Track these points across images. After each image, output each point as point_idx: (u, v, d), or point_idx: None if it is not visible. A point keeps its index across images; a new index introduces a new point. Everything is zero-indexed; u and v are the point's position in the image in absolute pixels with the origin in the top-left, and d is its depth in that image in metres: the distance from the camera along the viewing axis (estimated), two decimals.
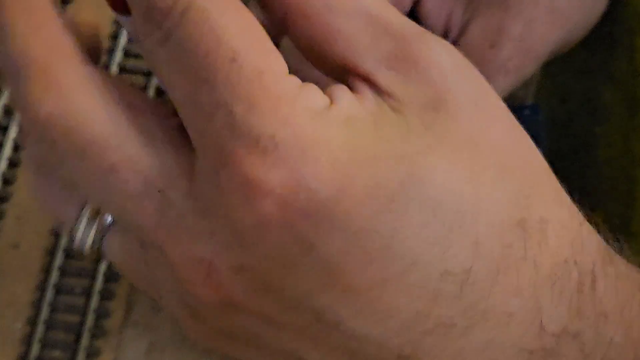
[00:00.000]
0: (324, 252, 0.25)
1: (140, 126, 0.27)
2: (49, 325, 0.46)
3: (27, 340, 0.46)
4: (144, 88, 0.51)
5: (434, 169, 0.25)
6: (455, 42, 0.41)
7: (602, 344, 0.28)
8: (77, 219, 0.29)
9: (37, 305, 0.47)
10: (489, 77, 0.40)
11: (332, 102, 0.26)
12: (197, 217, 0.26)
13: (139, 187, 0.26)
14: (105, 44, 0.54)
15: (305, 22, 0.26)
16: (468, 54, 0.40)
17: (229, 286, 0.26)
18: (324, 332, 0.26)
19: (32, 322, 0.47)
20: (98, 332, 0.46)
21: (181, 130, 0.27)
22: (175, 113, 0.27)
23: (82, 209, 0.29)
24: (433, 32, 0.42)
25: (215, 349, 0.29)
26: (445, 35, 0.42)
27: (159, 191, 0.26)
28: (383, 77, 0.26)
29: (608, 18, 0.45)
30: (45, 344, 0.46)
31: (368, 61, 0.26)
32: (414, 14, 0.42)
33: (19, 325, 0.47)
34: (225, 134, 0.25)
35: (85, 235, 0.29)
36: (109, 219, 0.29)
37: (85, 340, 0.46)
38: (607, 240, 0.29)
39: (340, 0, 0.27)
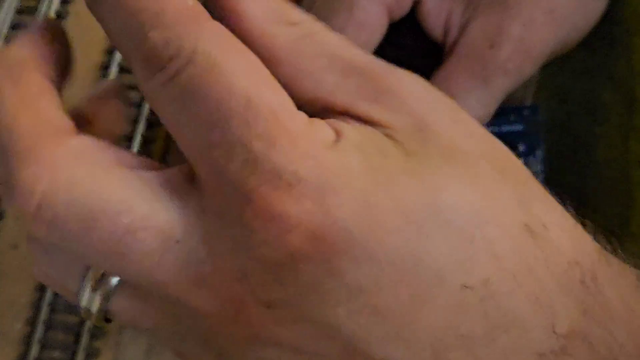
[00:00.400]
0: (356, 281, 0.25)
1: (143, 183, 0.27)
2: (49, 326, 0.46)
3: (27, 341, 0.46)
4: (138, 106, 0.51)
5: (447, 187, 0.26)
6: (454, 43, 0.41)
7: (608, 343, 0.28)
8: (80, 287, 0.29)
9: (36, 306, 0.47)
10: (488, 78, 0.40)
11: (337, 134, 0.26)
12: (220, 260, 0.26)
13: (157, 243, 0.26)
14: (101, 58, 0.54)
15: (276, 67, 0.27)
16: (467, 54, 0.40)
17: (260, 322, 0.26)
18: (352, 359, 0.26)
19: (32, 322, 0.47)
20: (97, 332, 0.46)
21: (174, 178, 0.27)
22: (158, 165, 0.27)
23: (84, 276, 0.29)
24: (433, 32, 0.42)
25: None
26: (444, 35, 0.42)
27: (176, 242, 0.26)
28: (363, 108, 0.27)
29: (607, 18, 0.45)
30: (44, 345, 0.46)
31: (343, 97, 0.27)
32: (413, 15, 0.42)
33: (19, 326, 0.47)
34: (246, 172, 0.25)
35: (90, 301, 0.29)
36: (115, 281, 0.29)
37: (84, 341, 0.46)
38: (598, 241, 0.29)
39: (304, 43, 0.28)
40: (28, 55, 0.30)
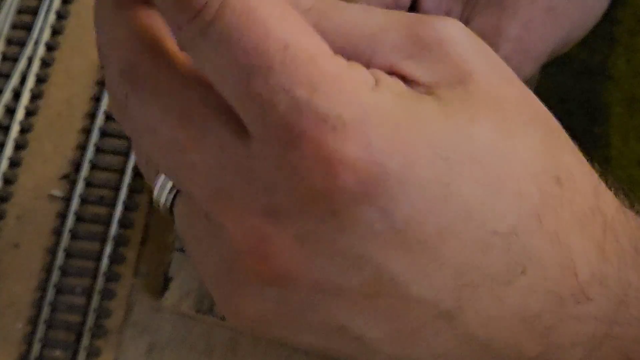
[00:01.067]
0: (390, 214, 0.26)
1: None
2: (50, 325, 0.47)
3: (28, 340, 0.46)
4: (125, 154, 0.51)
5: (480, 129, 0.27)
6: None
7: (623, 288, 0.29)
8: (156, 177, 0.31)
9: (37, 305, 0.47)
10: None
11: (376, 80, 0.27)
12: (259, 192, 0.27)
13: (205, 159, 0.27)
14: (88, 106, 0.53)
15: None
16: None
17: (287, 257, 0.27)
18: (376, 292, 0.27)
19: (33, 321, 0.47)
20: (98, 331, 0.46)
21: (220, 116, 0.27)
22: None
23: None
24: None
25: (255, 331, 0.30)
26: None
27: (222, 167, 0.27)
28: (405, 66, 0.28)
29: (608, 18, 0.45)
30: (45, 344, 0.46)
31: (385, 54, 0.28)
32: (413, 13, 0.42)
33: (20, 325, 0.47)
34: (291, 117, 0.26)
35: (160, 194, 0.30)
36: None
37: (85, 340, 0.46)
38: (618, 196, 0.30)
39: (327, 22, 0.28)
40: None
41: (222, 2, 0.26)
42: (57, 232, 0.49)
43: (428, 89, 0.27)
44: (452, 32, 0.28)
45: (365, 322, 0.28)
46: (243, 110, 0.27)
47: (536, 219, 0.27)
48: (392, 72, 0.28)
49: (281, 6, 0.26)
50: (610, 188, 0.30)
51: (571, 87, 0.48)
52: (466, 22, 0.41)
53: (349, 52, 0.28)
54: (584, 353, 0.29)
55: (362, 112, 0.26)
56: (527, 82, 0.43)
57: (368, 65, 0.28)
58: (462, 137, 0.27)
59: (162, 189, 0.31)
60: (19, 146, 0.51)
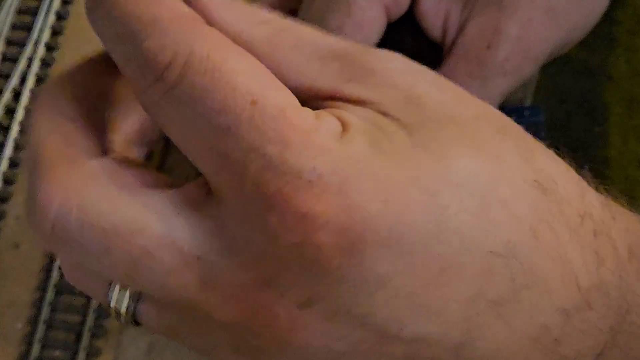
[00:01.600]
0: (387, 266, 0.25)
1: (159, 201, 0.26)
2: (50, 325, 0.47)
3: (28, 340, 0.46)
4: None
5: (455, 154, 0.26)
6: (453, 43, 0.41)
7: (623, 291, 0.28)
8: (107, 294, 0.29)
9: (37, 305, 0.47)
10: (486, 78, 0.40)
11: (342, 124, 0.26)
12: (247, 270, 0.26)
13: (176, 261, 0.26)
14: None
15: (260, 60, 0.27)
16: (465, 55, 0.40)
17: (292, 326, 0.26)
18: (386, 345, 0.26)
19: (33, 321, 0.47)
20: (98, 331, 0.46)
21: (192, 194, 0.27)
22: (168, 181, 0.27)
23: (111, 283, 0.29)
24: (431, 32, 0.42)
25: None
26: (443, 35, 0.42)
27: (197, 258, 0.26)
28: (348, 90, 0.27)
29: (607, 18, 0.45)
30: (45, 344, 0.46)
31: (326, 82, 0.27)
32: (413, 15, 0.42)
33: (20, 325, 0.47)
34: (263, 177, 0.25)
35: (118, 305, 0.29)
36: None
37: (85, 340, 0.46)
38: (598, 191, 0.30)
39: (279, 37, 0.27)
40: (69, 80, 0.30)
41: (185, 61, 0.25)
42: None
43: (379, 107, 0.27)
44: (396, 63, 0.28)
45: None
46: (211, 174, 0.26)
47: (530, 231, 0.27)
48: (335, 97, 0.27)
49: (247, 59, 0.26)
50: (591, 182, 0.30)
51: (571, 87, 0.48)
52: (465, 22, 0.41)
53: (298, 73, 0.27)
54: None
55: (336, 162, 0.25)
56: (527, 82, 0.43)
57: (311, 89, 0.27)
58: (441, 168, 0.26)
59: (119, 300, 0.29)
60: (18, 146, 0.51)
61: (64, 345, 0.46)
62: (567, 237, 0.27)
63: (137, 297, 0.28)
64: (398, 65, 0.28)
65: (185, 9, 0.26)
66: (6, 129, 0.52)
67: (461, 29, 0.41)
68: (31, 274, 0.48)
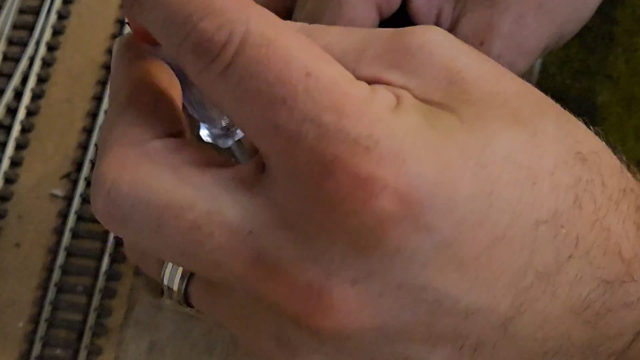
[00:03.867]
0: (441, 234, 0.25)
1: (210, 180, 0.27)
2: (51, 324, 0.47)
3: (29, 339, 0.46)
4: None
5: (500, 131, 0.27)
6: None
7: None
8: (161, 270, 0.29)
9: (38, 304, 0.47)
10: None
11: (397, 97, 0.27)
12: (299, 245, 0.26)
13: (226, 236, 0.26)
14: (102, 58, 0.54)
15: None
16: None
17: (343, 306, 0.26)
18: (438, 321, 0.26)
19: (34, 320, 0.47)
20: (99, 330, 0.46)
21: (244, 172, 0.27)
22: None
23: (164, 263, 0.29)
24: None
25: None
26: None
27: (249, 233, 0.26)
28: (388, 75, 0.27)
29: (607, 18, 0.46)
30: (47, 342, 0.46)
31: (368, 66, 0.27)
32: (405, 12, 0.42)
33: (21, 324, 0.47)
34: (321, 145, 0.25)
35: (170, 283, 0.29)
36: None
37: (86, 339, 0.46)
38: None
39: (317, 30, 0.28)
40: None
41: (242, 38, 0.26)
42: (58, 231, 0.49)
43: (425, 98, 0.27)
44: (433, 35, 0.28)
45: (429, 350, 0.27)
46: (267, 147, 0.26)
47: (574, 201, 0.27)
48: (377, 83, 0.28)
49: (299, 36, 0.26)
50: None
51: (570, 86, 0.48)
52: (458, 18, 0.41)
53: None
54: (627, 342, 0.29)
55: (393, 130, 0.25)
56: (525, 79, 0.43)
57: (355, 75, 0.28)
58: (490, 141, 0.26)
59: (171, 277, 0.29)
60: (20, 146, 0.51)
61: (65, 343, 0.46)
62: (609, 208, 0.28)
63: (188, 276, 0.29)
64: (436, 39, 0.28)
65: None
66: (8, 129, 0.52)
67: (454, 25, 0.41)
68: (32, 273, 0.48)
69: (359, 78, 0.27)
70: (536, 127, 0.27)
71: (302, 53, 0.26)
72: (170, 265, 0.29)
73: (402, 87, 0.27)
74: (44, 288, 0.48)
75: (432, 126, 0.26)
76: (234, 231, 0.26)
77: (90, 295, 0.47)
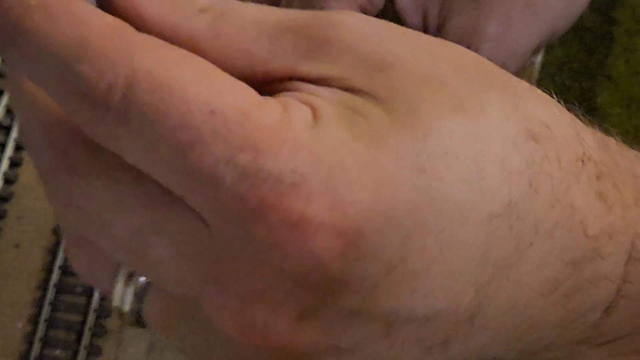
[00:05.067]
0: (386, 255, 0.24)
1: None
2: (50, 324, 0.47)
3: (29, 339, 0.46)
4: None
5: (438, 123, 0.25)
6: None
7: (632, 240, 0.27)
8: (112, 282, 0.28)
9: (38, 304, 0.47)
10: None
11: (312, 109, 0.25)
12: (232, 288, 0.25)
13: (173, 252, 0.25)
14: None
15: (203, 57, 0.25)
16: None
17: (291, 339, 0.25)
18: (397, 332, 0.26)
19: (34, 321, 0.47)
20: (99, 331, 0.46)
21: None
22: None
23: (116, 274, 0.28)
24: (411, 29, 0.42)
25: None
26: (424, 32, 0.42)
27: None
28: (307, 68, 0.25)
29: (606, 19, 0.46)
30: (46, 343, 0.46)
31: (280, 62, 0.25)
32: (392, 14, 0.42)
33: (20, 324, 0.47)
34: (242, 188, 0.23)
35: (123, 297, 0.28)
36: (143, 279, 0.27)
37: (86, 339, 0.46)
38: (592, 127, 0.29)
39: (220, 23, 0.25)
40: None
41: (126, 83, 0.22)
42: (58, 232, 0.49)
43: (344, 83, 0.25)
44: (352, 20, 0.25)
45: (397, 353, 0.27)
46: (188, 196, 0.24)
47: (529, 186, 0.25)
48: (295, 77, 0.25)
49: (192, 64, 0.24)
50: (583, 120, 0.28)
51: (570, 87, 0.48)
52: (444, 21, 0.41)
53: (247, 58, 0.25)
54: (599, 316, 0.28)
55: (316, 156, 0.23)
56: (525, 79, 0.43)
57: (267, 73, 0.25)
58: (427, 139, 0.24)
59: (123, 296, 0.27)
60: (20, 146, 0.51)
61: (65, 344, 0.46)
62: (569, 184, 0.26)
63: (144, 288, 0.28)
64: (355, 25, 0.25)
65: (109, 18, 0.24)
66: (7, 129, 0.52)
67: (441, 28, 0.41)
68: (32, 274, 0.48)
69: (272, 72, 0.25)
70: (478, 110, 0.25)
71: (201, 87, 0.23)
72: (122, 279, 0.28)
73: (320, 78, 0.25)
74: (44, 289, 0.48)
75: (357, 138, 0.24)
76: (179, 248, 0.25)
77: (89, 296, 0.47)
